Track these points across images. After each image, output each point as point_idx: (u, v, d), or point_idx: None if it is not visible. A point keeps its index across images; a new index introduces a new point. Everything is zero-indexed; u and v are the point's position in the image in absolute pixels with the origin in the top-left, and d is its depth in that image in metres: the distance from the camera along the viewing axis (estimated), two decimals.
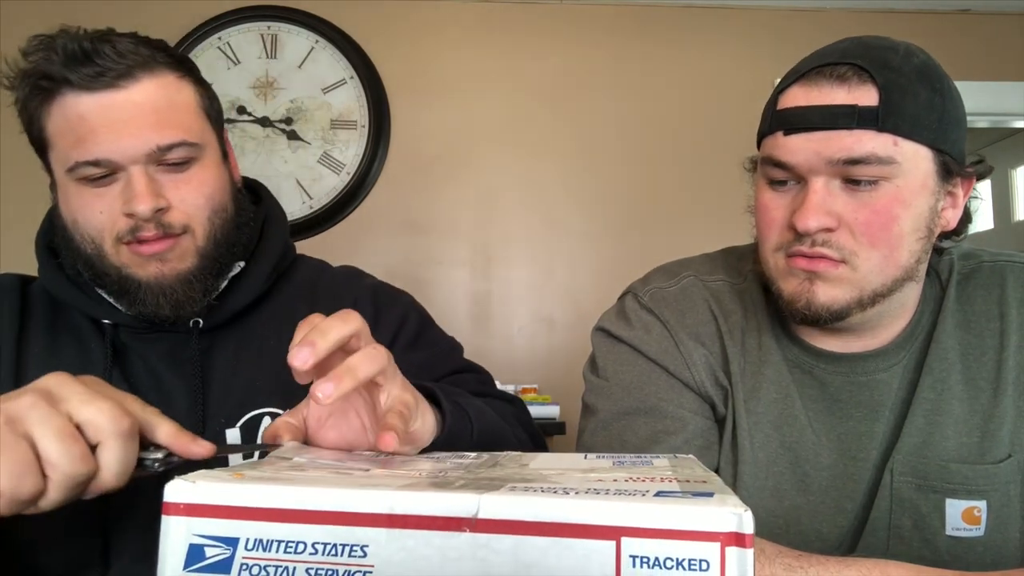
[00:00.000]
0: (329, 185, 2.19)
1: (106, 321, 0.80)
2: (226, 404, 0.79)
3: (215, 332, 0.82)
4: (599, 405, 0.84)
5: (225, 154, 0.84)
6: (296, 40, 2.19)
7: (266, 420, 0.79)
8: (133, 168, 0.74)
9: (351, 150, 2.20)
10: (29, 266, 0.88)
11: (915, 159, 0.72)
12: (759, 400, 0.80)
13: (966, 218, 0.79)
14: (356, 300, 0.86)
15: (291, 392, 0.76)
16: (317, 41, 2.19)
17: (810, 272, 0.74)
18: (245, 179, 0.90)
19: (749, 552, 0.35)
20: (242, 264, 0.84)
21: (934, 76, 0.73)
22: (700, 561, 0.34)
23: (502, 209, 2.25)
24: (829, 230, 0.72)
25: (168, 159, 0.76)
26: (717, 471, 0.81)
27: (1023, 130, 2.62)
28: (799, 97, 0.74)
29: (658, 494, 0.38)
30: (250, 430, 0.79)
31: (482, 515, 0.35)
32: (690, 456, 0.55)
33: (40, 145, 0.79)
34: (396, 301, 0.90)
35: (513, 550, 0.35)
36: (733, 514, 0.35)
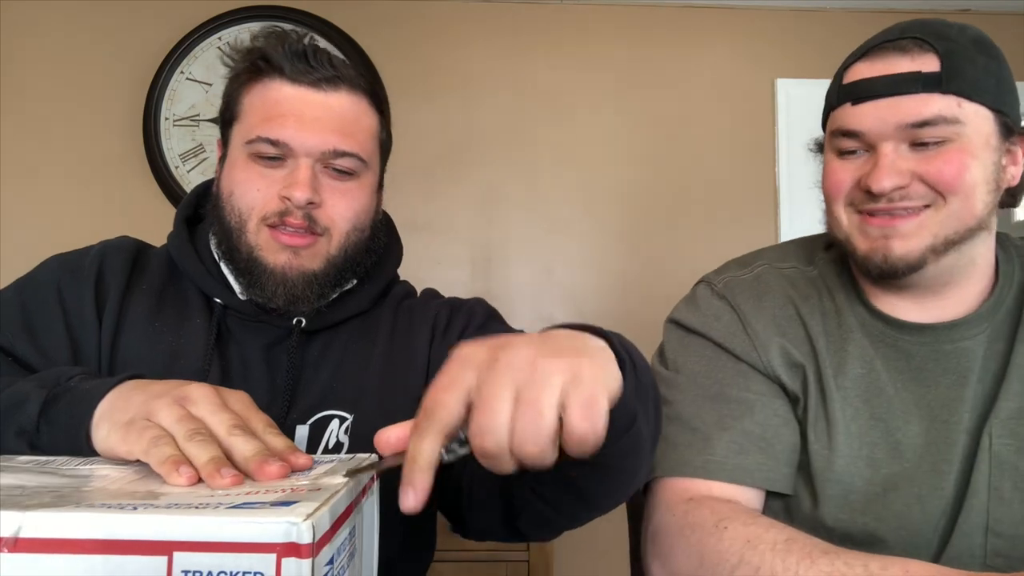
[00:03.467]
0: None
1: (218, 301, 0.85)
2: (302, 402, 0.83)
3: (311, 333, 0.87)
4: (670, 396, 0.86)
5: (380, 186, 0.92)
6: None
7: (333, 423, 0.83)
8: (303, 160, 0.80)
9: None
10: (29, 266, 0.87)
11: (977, 119, 0.76)
12: (846, 375, 0.83)
13: (1022, 182, 0.83)
14: (436, 315, 0.91)
15: (361, 399, 0.84)
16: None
17: (886, 230, 0.78)
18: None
19: (306, 563, 0.34)
20: (355, 282, 0.90)
21: (989, 45, 0.79)
22: (255, 574, 0.34)
23: (502, 209, 2.25)
24: (902, 187, 0.76)
25: (337, 164, 0.82)
26: (806, 447, 0.83)
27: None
28: (864, 70, 0.79)
29: (232, 507, 0.37)
30: (317, 429, 0.82)
31: (24, 534, 0.34)
32: (360, 456, 0.55)
33: (229, 117, 0.86)
34: (464, 305, 0.95)
35: (56, 570, 0.34)
36: (290, 525, 0.34)
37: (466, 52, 2.25)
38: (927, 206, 0.77)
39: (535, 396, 0.44)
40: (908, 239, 0.78)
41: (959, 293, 0.83)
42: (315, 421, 0.82)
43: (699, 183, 2.26)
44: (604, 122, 2.27)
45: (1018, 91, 0.81)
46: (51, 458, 0.55)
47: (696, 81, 2.28)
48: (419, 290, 1.01)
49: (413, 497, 0.44)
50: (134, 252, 0.87)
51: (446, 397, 0.46)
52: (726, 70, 2.28)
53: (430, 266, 2.22)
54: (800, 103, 2.19)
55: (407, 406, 0.82)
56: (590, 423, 0.45)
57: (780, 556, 0.67)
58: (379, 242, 0.92)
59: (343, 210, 0.83)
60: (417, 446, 0.45)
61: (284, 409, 0.81)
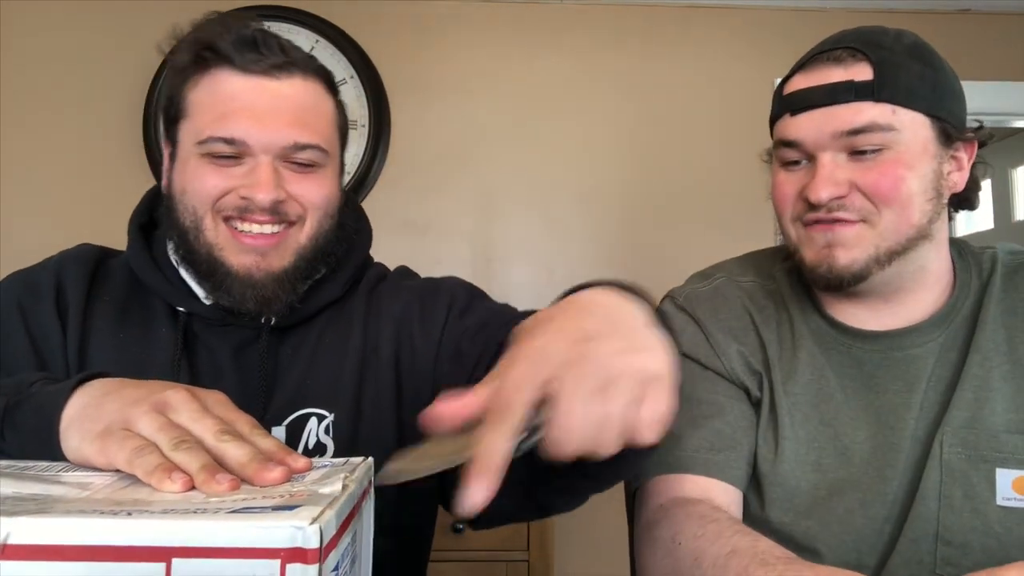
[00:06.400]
0: None
1: (181, 309, 0.80)
2: (277, 402, 0.79)
3: (283, 331, 0.82)
4: None
5: (342, 171, 0.86)
6: (296, 40, 2.13)
7: (311, 421, 0.78)
8: (263, 157, 0.75)
9: (351, 150, 2.19)
10: (29, 263, 0.87)
11: (913, 126, 0.77)
12: (795, 382, 0.85)
13: (974, 184, 0.84)
14: (406, 304, 0.86)
15: (337, 394, 0.79)
16: (317, 41, 2.19)
17: (828, 237, 0.80)
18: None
19: (312, 568, 0.33)
20: (324, 270, 0.85)
21: (925, 52, 0.80)
22: None
23: (502, 209, 2.25)
24: (841, 197, 0.78)
25: (298, 158, 0.77)
26: (756, 450, 0.85)
27: (1023, 130, 2.62)
28: (801, 82, 0.81)
29: (233, 511, 0.36)
30: (295, 430, 0.78)
31: (12, 541, 0.32)
32: (354, 460, 0.52)
33: (175, 114, 0.79)
34: (439, 290, 0.89)
35: None
36: (295, 529, 0.33)
37: (466, 52, 2.25)
38: (863, 221, 0.78)
39: (622, 400, 0.43)
40: (850, 249, 0.79)
41: (912, 300, 0.84)
42: (291, 421, 0.78)
43: (699, 183, 2.26)
44: (605, 122, 2.27)
45: (965, 96, 0.82)
46: (31, 463, 0.53)
47: (696, 81, 2.28)
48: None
49: (482, 496, 0.41)
50: (93, 262, 0.83)
51: (520, 398, 0.43)
52: (726, 70, 2.28)
53: (430, 266, 2.21)
54: None
55: (381, 403, 0.81)
56: (653, 435, 0.45)
57: (720, 573, 0.67)
58: (348, 229, 0.87)
59: (313, 197, 0.78)
60: (492, 446, 0.42)
61: (259, 412, 0.77)
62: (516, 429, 0.43)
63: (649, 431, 0.45)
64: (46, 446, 0.54)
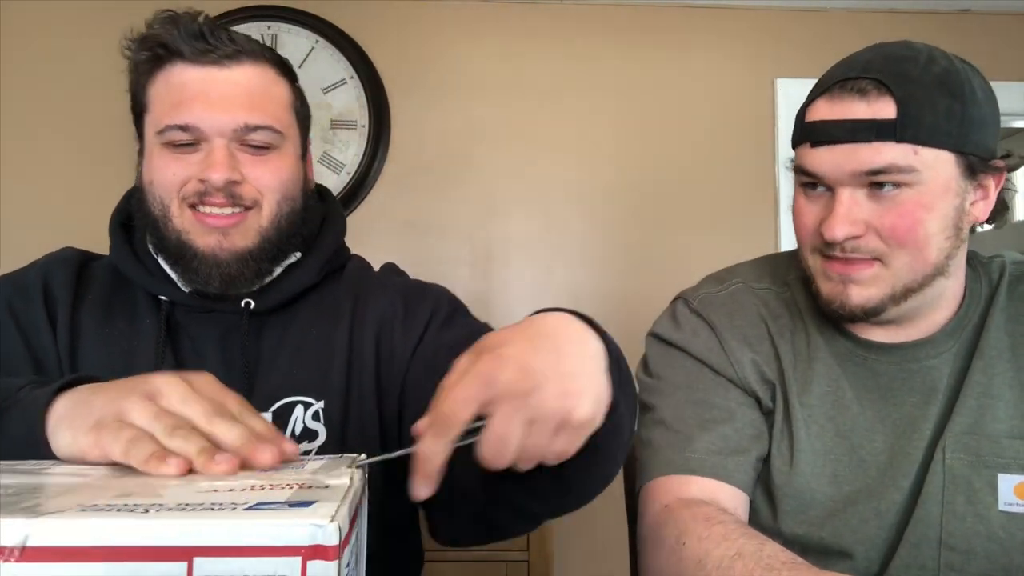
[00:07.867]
0: (329, 185, 2.17)
1: (163, 298, 0.84)
2: (263, 389, 0.81)
3: (265, 317, 0.85)
4: (653, 402, 0.88)
5: (304, 154, 0.89)
6: (296, 40, 2.18)
7: (298, 409, 0.81)
8: (216, 140, 0.79)
9: (351, 150, 2.19)
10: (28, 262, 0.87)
11: (936, 165, 0.76)
12: (811, 394, 0.85)
13: (1002, 206, 0.83)
14: (390, 302, 0.88)
15: (325, 384, 0.82)
16: (317, 41, 2.19)
17: (844, 276, 0.79)
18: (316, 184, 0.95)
19: (332, 564, 0.33)
20: (299, 255, 0.88)
21: (954, 83, 0.76)
22: None
23: (502, 209, 2.25)
24: (856, 237, 0.77)
25: (251, 139, 0.80)
26: (768, 460, 0.85)
27: (1023, 130, 2.62)
28: (823, 111, 0.79)
29: (249, 508, 0.36)
30: (281, 417, 0.80)
31: (31, 543, 0.32)
32: (349, 455, 0.53)
33: (139, 109, 0.86)
34: (425, 295, 0.90)
35: None
36: (316, 527, 0.33)
37: (466, 52, 2.25)
38: (878, 259, 0.78)
39: (543, 435, 0.51)
40: (865, 287, 0.79)
41: (928, 319, 0.85)
42: (278, 408, 0.81)
43: (699, 183, 2.26)
44: (604, 122, 2.27)
45: (998, 119, 0.80)
46: (22, 461, 0.53)
47: (696, 81, 2.28)
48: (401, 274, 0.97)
49: (427, 488, 0.50)
50: (78, 264, 0.87)
51: (463, 411, 0.49)
52: (726, 70, 2.28)
53: (430, 266, 2.22)
54: (800, 103, 2.19)
55: (364, 398, 0.83)
56: (564, 454, 0.53)
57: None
58: (314, 212, 0.90)
59: (268, 180, 0.82)
60: (433, 449, 0.50)
61: (244, 396, 0.79)
62: (455, 437, 0.50)
63: (553, 459, 0.53)
64: (33, 448, 0.55)
